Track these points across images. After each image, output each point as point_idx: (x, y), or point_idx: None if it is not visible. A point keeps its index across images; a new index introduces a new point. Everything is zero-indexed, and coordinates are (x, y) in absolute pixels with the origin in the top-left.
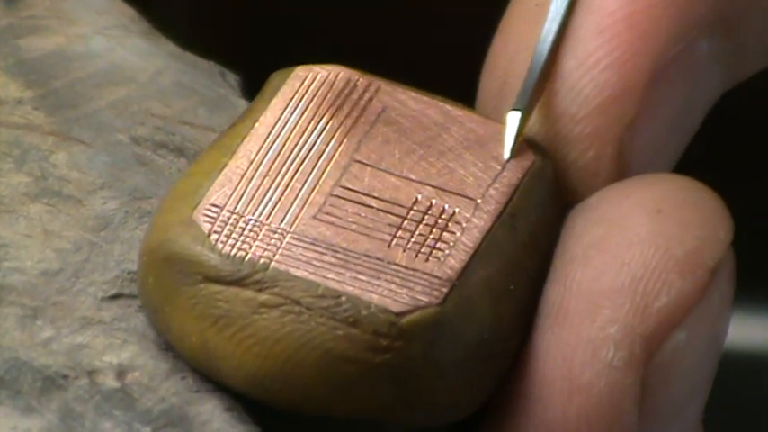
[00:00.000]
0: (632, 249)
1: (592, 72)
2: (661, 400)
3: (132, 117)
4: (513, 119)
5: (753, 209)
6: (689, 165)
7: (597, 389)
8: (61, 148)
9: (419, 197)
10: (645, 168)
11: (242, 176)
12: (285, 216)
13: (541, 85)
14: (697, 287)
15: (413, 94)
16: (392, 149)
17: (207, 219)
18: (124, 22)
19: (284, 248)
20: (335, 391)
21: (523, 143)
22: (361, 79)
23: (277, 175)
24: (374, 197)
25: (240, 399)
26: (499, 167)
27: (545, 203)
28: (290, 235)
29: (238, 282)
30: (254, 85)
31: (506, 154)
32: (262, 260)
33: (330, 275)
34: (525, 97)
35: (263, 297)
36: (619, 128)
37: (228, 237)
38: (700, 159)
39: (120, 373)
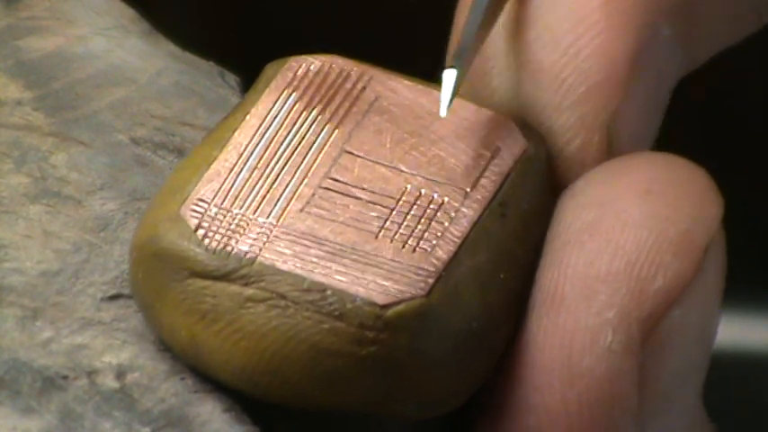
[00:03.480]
0: (626, 232)
1: (574, 62)
2: (659, 381)
3: (132, 118)
4: (448, 77)
5: (752, 209)
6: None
7: (597, 374)
8: (61, 148)
9: (408, 187)
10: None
11: (230, 170)
12: (273, 210)
13: (479, 40)
14: (691, 266)
15: (406, 83)
16: (383, 139)
17: (194, 214)
18: (124, 23)
19: (271, 242)
20: (323, 385)
21: (516, 129)
22: (354, 69)
23: (266, 168)
24: (363, 188)
25: (239, 399)
26: (490, 155)
27: (537, 191)
28: (277, 229)
29: (225, 277)
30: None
31: (442, 112)
32: (248, 255)
33: (316, 269)
34: (461, 55)
35: (250, 292)
36: (605, 115)
37: (215, 232)
38: (699, 158)
39: (120, 373)
